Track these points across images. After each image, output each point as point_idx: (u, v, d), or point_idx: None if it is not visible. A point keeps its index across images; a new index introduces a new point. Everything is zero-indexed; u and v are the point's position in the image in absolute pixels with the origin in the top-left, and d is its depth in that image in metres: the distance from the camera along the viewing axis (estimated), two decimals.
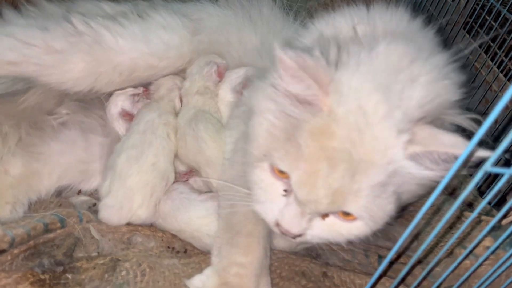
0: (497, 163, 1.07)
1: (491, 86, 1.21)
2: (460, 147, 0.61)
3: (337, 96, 0.66)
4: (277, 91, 0.71)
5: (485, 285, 0.70)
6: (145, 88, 1.12)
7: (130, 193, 0.90)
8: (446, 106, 0.72)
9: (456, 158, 0.61)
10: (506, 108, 1.12)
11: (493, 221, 0.63)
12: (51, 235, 0.79)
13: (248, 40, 1.19)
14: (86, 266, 0.77)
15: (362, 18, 0.83)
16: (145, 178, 0.92)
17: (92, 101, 1.12)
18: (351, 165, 0.64)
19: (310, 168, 0.66)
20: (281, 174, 0.71)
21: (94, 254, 0.82)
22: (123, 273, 0.79)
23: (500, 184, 0.58)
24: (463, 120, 0.73)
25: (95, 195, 1.01)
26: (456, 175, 1.08)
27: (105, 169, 0.98)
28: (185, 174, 1.01)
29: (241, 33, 1.19)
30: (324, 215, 0.72)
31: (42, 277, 0.73)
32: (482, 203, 0.59)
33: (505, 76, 1.18)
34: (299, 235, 0.73)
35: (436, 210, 1.00)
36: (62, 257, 0.78)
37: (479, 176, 0.53)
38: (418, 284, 0.75)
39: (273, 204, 0.74)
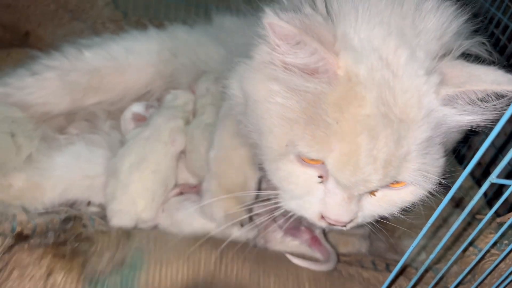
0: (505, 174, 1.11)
1: None
2: (501, 82, 0.57)
3: (351, 53, 0.60)
4: (275, 67, 0.63)
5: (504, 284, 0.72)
6: (159, 101, 1.23)
7: (132, 198, 0.97)
8: (459, 34, 0.68)
9: (497, 95, 0.58)
10: None
11: (508, 223, 0.66)
12: (66, 227, 0.86)
13: (223, 52, 1.29)
14: (101, 237, 0.86)
15: None
16: (145, 184, 0.99)
17: (99, 118, 1.22)
18: (392, 129, 0.59)
19: (348, 146, 0.60)
20: (311, 160, 0.65)
21: None
22: (137, 239, 0.87)
23: (506, 195, 0.60)
24: (475, 46, 0.71)
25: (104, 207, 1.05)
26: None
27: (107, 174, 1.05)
28: (194, 187, 1.05)
29: (217, 47, 1.30)
30: (373, 191, 0.68)
31: (63, 248, 0.80)
32: (489, 213, 0.63)
33: None
34: (350, 221, 0.69)
35: (443, 222, 1.03)
36: (79, 231, 0.86)
37: (485, 187, 0.57)
38: None
39: (311, 196, 0.68)
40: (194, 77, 1.29)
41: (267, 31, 0.59)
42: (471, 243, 0.78)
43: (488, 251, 0.74)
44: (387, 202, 0.69)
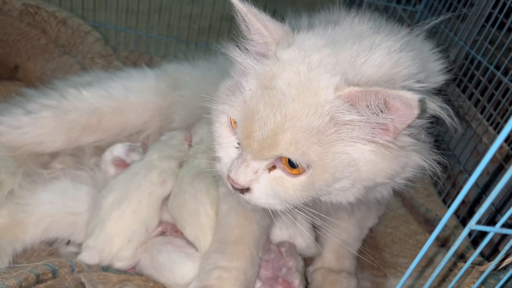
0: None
1: (481, 138, 1.26)
2: (388, 88, 0.63)
3: (287, 45, 0.74)
4: (238, 50, 0.79)
5: None
6: (143, 143, 1.22)
7: (109, 237, 0.96)
8: (406, 77, 0.72)
9: (386, 103, 0.64)
10: (496, 160, 1.17)
11: (487, 271, 0.66)
12: (41, 286, 0.81)
13: None
14: None
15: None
16: (124, 224, 0.97)
17: (84, 154, 1.20)
18: (283, 104, 0.69)
19: (249, 109, 0.72)
20: (237, 126, 0.77)
21: None
22: None
23: (486, 241, 0.60)
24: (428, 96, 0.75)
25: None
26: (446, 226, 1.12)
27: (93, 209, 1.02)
28: (177, 231, 1.03)
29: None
30: (271, 168, 0.75)
31: None
32: (473, 255, 0.62)
33: (494, 129, 1.24)
34: (247, 189, 0.76)
35: (429, 262, 1.02)
36: None
37: (464, 234, 0.56)
38: None
39: (227, 158, 0.80)
40: (192, 113, 1.27)
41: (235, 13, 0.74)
42: None
43: None
44: (279, 183, 0.75)
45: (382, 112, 0.66)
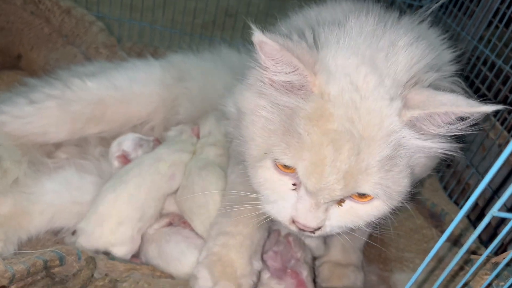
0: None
1: (488, 134, 1.26)
2: (460, 105, 0.62)
3: (326, 75, 0.67)
4: (264, 84, 0.71)
5: None
6: (156, 139, 1.19)
7: (100, 219, 0.94)
8: (433, 68, 0.73)
9: (457, 117, 0.63)
10: (508, 162, 1.16)
11: (505, 261, 0.65)
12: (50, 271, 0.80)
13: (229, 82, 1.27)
14: None
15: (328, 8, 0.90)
16: (117, 206, 0.95)
17: (89, 144, 1.18)
18: (354, 143, 0.65)
19: (316, 156, 0.66)
20: (286, 168, 0.71)
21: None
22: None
23: (506, 230, 0.60)
24: (449, 84, 0.76)
25: None
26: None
27: None
28: (185, 222, 1.01)
29: (224, 80, 1.27)
30: (340, 201, 0.72)
31: None
32: (484, 254, 0.62)
33: (501, 124, 1.24)
34: (318, 228, 0.72)
35: (439, 259, 1.01)
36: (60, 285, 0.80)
37: (486, 220, 0.56)
38: None
39: (285, 201, 0.74)
40: (198, 106, 1.26)
41: (256, 49, 0.65)
42: (466, 284, 0.77)
43: None
44: (352, 214, 0.73)
45: (449, 125, 0.65)
